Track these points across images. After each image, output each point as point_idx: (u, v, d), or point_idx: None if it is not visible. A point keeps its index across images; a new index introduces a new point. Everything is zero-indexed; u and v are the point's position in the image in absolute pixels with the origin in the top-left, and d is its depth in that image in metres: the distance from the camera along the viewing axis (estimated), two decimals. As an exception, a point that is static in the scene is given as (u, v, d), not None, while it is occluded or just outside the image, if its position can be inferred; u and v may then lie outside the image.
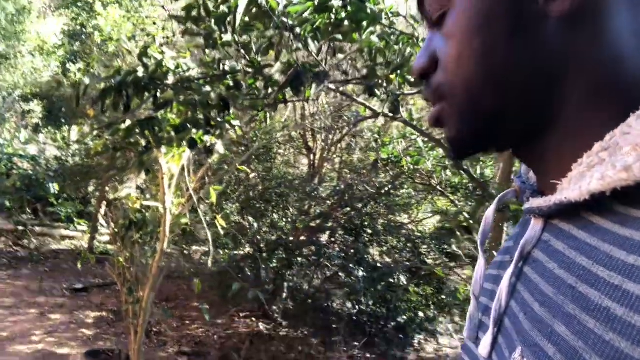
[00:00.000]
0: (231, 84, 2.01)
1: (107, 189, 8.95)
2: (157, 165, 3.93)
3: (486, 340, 0.47)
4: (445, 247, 5.81)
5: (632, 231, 0.35)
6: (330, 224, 5.76)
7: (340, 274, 6.43)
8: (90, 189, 10.04)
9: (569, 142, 0.43)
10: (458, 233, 6.72)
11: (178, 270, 6.92)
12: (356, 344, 6.12)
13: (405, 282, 5.13)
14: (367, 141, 5.33)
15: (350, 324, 6.17)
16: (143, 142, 2.18)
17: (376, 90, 2.22)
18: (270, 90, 2.23)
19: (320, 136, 6.87)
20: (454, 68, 0.46)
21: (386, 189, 5.04)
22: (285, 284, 6.82)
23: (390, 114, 2.78)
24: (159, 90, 2.16)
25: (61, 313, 6.17)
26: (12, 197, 8.34)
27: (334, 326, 6.27)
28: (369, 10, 1.89)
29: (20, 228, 8.75)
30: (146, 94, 2.21)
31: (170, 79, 2.23)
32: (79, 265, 4.94)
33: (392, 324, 5.70)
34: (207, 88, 1.94)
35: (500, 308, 0.46)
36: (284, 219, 6.38)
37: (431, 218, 7.19)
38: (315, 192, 5.67)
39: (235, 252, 6.81)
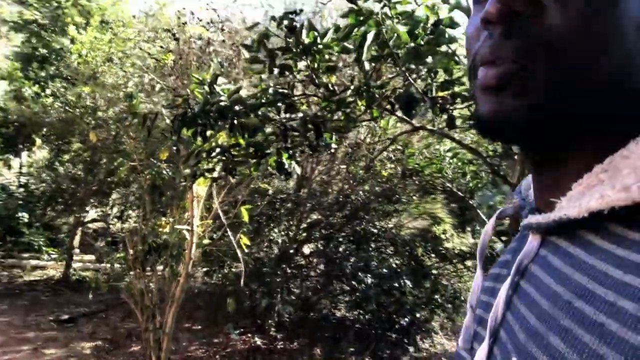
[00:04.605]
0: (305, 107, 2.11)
1: (83, 214, 8.66)
2: (178, 189, 3.92)
3: (482, 351, 0.48)
4: (440, 248, 6.07)
5: (628, 251, 0.36)
6: (331, 234, 5.87)
7: (333, 282, 6.57)
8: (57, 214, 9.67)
9: (583, 161, 0.42)
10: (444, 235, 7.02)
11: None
12: (352, 349, 6.22)
13: (411, 286, 5.31)
14: (365, 152, 5.50)
15: (353, 331, 6.29)
16: (219, 168, 2.23)
17: (423, 106, 2.37)
18: (339, 112, 2.34)
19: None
20: (590, 35, 0.40)
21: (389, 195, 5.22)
22: (279, 297, 6.84)
23: (428, 128, 2.94)
24: (235, 118, 2.23)
25: (55, 347, 5.92)
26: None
27: (336, 335, 6.37)
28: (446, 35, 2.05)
29: (-10, 261, 8.33)
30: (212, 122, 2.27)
31: (237, 107, 2.30)
32: (91, 294, 4.79)
33: (396, 327, 5.88)
34: (295, 114, 2.04)
35: (496, 319, 0.47)
36: (282, 232, 6.44)
37: (415, 221, 7.46)
38: (316, 203, 5.77)
39: (227, 271, 6.80)
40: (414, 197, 5.81)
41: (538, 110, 0.41)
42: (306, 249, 7.29)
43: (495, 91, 0.43)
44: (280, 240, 5.93)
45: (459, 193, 4.05)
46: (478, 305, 0.57)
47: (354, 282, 5.96)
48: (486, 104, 0.44)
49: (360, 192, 5.84)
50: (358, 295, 6.06)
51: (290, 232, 6.51)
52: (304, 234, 6.74)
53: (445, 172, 3.93)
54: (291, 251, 6.70)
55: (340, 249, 6.37)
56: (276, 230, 6.11)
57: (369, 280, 5.87)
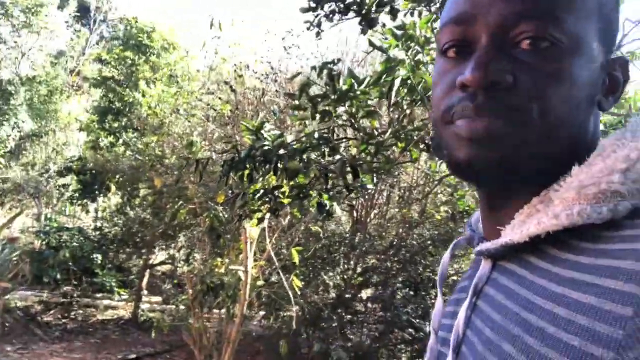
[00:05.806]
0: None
1: (151, 256, 9.09)
2: (233, 231, 4.08)
3: None
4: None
5: (561, 268, 0.44)
6: (387, 279, 5.80)
7: (394, 330, 6.41)
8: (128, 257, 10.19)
9: (527, 197, 0.50)
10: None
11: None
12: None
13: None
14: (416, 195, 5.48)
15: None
16: (264, 209, 2.35)
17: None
18: (379, 155, 2.40)
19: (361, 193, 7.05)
20: (557, 104, 0.48)
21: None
22: (336, 343, 6.72)
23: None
24: (279, 161, 2.35)
25: (122, 385, 6.16)
26: (61, 269, 8.52)
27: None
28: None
29: (67, 300, 8.87)
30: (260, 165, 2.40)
31: (282, 151, 2.42)
32: (153, 334, 4.99)
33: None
34: (336, 156, 2.14)
35: (458, 337, 0.54)
36: (337, 276, 6.44)
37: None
38: (370, 247, 5.76)
39: (282, 314, 6.83)
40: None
41: (511, 162, 0.49)
42: (364, 294, 7.21)
43: (478, 142, 0.49)
44: (332, 283, 5.92)
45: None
46: (440, 328, 0.64)
47: (411, 330, 5.80)
48: (466, 152, 0.50)
49: (415, 236, 5.78)
50: (419, 347, 5.86)
51: (345, 276, 6.50)
52: (360, 278, 6.69)
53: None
54: (347, 296, 6.65)
55: (398, 295, 6.25)
56: (331, 273, 6.12)
57: (429, 329, 5.67)
